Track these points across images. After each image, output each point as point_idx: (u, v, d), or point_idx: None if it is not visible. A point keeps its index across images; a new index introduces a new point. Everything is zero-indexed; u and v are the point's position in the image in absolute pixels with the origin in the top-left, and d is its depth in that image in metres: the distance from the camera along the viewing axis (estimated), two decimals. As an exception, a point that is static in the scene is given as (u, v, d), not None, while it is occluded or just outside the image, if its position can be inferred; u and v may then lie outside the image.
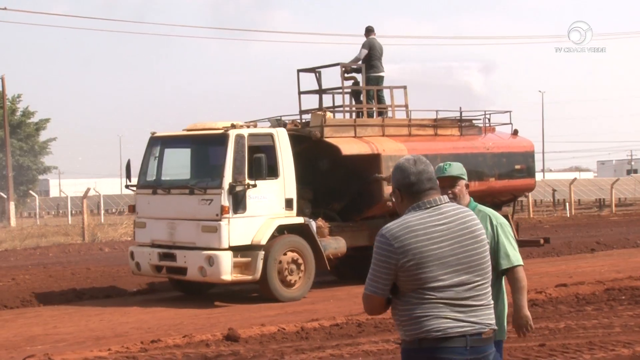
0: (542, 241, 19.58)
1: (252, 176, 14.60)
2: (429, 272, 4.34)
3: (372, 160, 16.50)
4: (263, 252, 14.71)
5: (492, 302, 4.56)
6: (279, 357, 9.91)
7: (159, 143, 15.78)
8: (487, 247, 4.55)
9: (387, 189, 16.36)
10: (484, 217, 5.75)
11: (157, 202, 15.40)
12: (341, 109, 17.48)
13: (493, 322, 4.53)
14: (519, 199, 21.01)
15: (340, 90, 17.80)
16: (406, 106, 18.04)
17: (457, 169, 5.83)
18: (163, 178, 15.59)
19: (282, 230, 15.15)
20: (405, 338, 4.45)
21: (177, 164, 15.75)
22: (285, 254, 15.06)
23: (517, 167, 18.77)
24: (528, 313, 5.77)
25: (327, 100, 18.04)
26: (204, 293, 16.06)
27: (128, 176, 16.00)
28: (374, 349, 10.20)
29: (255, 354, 10.16)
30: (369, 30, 18.10)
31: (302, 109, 17.84)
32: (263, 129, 15.75)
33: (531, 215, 39.45)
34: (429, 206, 4.45)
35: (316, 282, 18.03)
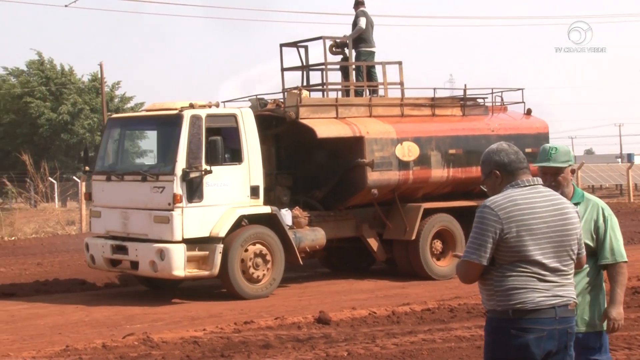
0: None
1: (210, 161, 13.23)
2: (528, 246, 4.69)
3: (355, 144, 14.98)
4: (222, 245, 13.33)
5: (573, 281, 4.90)
6: (370, 340, 9.93)
7: (116, 125, 14.50)
8: (578, 230, 4.88)
9: (371, 176, 14.85)
10: (594, 207, 5.69)
11: (111, 190, 14.11)
12: (325, 87, 15.89)
13: (575, 296, 4.88)
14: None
15: (327, 67, 16.30)
16: (401, 84, 16.41)
17: (563, 155, 5.59)
18: (119, 163, 14.30)
19: (251, 220, 13.77)
20: (497, 308, 4.75)
21: (135, 148, 14.41)
22: (249, 247, 13.66)
23: (528, 150, 16.98)
24: (622, 310, 5.67)
25: (317, 79, 16.58)
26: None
27: (86, 161, 14.75)
28: (467, 334, 10.14)
29: (347, 337, 10.24)
30: (359, 3, 16.54)
31: (287, 87, 16.33)
32: (225, 109, 14.33)
33: (631, 200, 37.45)
34: (527, 184, 4.83)
35: (310, 275, 16.68)
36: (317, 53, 16.18)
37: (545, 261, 4.71)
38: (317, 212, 15.22)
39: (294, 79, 16.70)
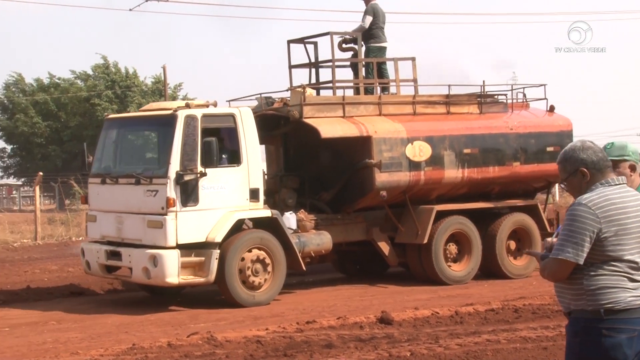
0: None
1: (205, 163, 12.69)
2: (623, 245, 4.67)
3: (362, 144, 14.34)
4: (218, 251, 12.78)
5: None
6: (433, 341, 9.85)
7: (113, 126, 14.00)
8: None
9: (380, 177, 14.21)
10: None
11: (106, 193, 13.62)
12: (333, 84, 15.23)
13: None
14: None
15: (336, 64, 15.68)
16: (414, 81, 15.71)
17: (618, 149, 5.40)
18: (114, 166, 13.80)
19: (254, 224, 13.23)
20: (587, 308, 4.67)
21: (132, 149, 13.88)
22: (248, 253, 13.09)
23: (550, 149, 16.24)
24: None
25: (327, 76, 15.94)
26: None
27: (83, 163, 14.26)
28: (533, 335, 10.01)
29: (409, 337, 10.18)
30: None
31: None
32: (223, 108, 13.74)
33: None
34: (616, 183, 4.79)
35: (323, 279, 16.08)
36: (328, 49, 15.56)
37: (636, 260, 4.70)
38: (324, 215, 14.62)
39: (305, 76, 16.10)
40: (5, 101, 50.66)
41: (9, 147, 52.64)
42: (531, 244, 15.91)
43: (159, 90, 48.58)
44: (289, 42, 15.67)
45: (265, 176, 13.87)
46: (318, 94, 15.73)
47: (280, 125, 14.87)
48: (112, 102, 48.30)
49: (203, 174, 12.62)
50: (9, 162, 53.68)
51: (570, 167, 4.85)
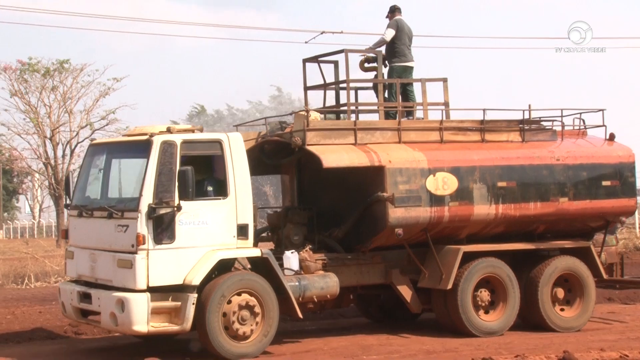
0: None
1: (181, 195, 11.20)
2: None
3: (375, 175, 12.63)
4: (195, 295, 11.24)
5: None
6: None
7: (94, 153, 12.65)
8: None
9: (394, 213, 12.48)
10: None
11: (82, 227, 12.26)
12: (347, 107, 13.56)
13: None
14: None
15: (359, 85, 14.09)
16: (446, 104, 13.93)
17: None
18: (93, 196, 12.43)
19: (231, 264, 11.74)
20: None
21: (111, 179, 12.45)
22: (233, 298, 11.51)
23: (606, 183, 14.19)
24: None
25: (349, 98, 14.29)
26: None
27: (67, 193, 12.94)
28: None
29: None
30: (395, 10, 14.20)
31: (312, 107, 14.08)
32: (208, 134, 12.20)
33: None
34: None
35: (350, 327, 14.42)
36: (351, 68, 13.94)
37: None
38: (334, 255, 12.94)
39: (328, 97, 14.50)
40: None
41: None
42: (583, 293, 13.90)
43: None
44: (305, 60, 14.11)
45: (258, 210, 12.28)
46: (338, 117, 14.14)
47: (294, 152, 13.30)
48: None
49: (179, 208, 11.13)
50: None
51: None
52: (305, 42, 15.89)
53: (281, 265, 12.33)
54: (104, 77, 25.05)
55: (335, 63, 14.11)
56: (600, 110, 14.90)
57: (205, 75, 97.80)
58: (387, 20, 14.22)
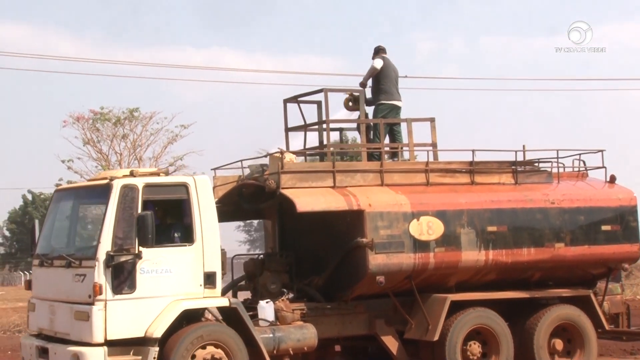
0: None
1: (141, 242, 10.52)
2: None
3: (354, 219, 11.93)
4: (156, 349, 10.50)
5: None
6: None
7: (59, 199, 12.03)
8: None
9: (374, 259, 11.74)
10: None
11: (43, 277, 11.61)
12: (327, 149, 12.90)
13: None
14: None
15: (344, 126, 13.45)
16: (433, 145, 13.24)
17: None
18: (55, 245, 11.78)
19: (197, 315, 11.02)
20: None
21: (72, 226, 11.79)
22: (201, 350, 10.77)
23: (606, 227, 13.40)
24: None
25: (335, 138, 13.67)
26: None
27: (33, 242, 12.28)
28: None
29: None
30: (379, 51, 13.59)
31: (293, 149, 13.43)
32: (173, 177, 11.62)
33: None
34: None
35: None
36: (336, 107, 13.32)
37: None
38: (313, 304, 12.20)
39: (311, 139, 13.82)
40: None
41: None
42: (583, 345, 13.05)
43: None
44: (285, 101, 13.50)
45: (226, 256, 11.58)
46: (322, 159, 13.48)
47: (273, 196, 12.61)
48: None
49: (139, 255, 10.46)
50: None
51: None
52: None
53: (256, 315, 11.65)
54: (171, 124, 25.00)
55: (318, 103, 13.47)
56: (599, 151, 14.18)
57: (270, 119, 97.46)
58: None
